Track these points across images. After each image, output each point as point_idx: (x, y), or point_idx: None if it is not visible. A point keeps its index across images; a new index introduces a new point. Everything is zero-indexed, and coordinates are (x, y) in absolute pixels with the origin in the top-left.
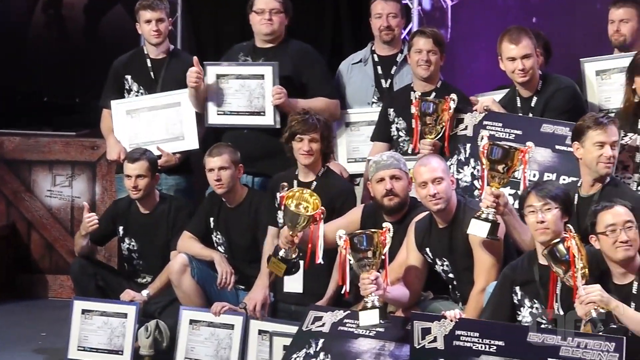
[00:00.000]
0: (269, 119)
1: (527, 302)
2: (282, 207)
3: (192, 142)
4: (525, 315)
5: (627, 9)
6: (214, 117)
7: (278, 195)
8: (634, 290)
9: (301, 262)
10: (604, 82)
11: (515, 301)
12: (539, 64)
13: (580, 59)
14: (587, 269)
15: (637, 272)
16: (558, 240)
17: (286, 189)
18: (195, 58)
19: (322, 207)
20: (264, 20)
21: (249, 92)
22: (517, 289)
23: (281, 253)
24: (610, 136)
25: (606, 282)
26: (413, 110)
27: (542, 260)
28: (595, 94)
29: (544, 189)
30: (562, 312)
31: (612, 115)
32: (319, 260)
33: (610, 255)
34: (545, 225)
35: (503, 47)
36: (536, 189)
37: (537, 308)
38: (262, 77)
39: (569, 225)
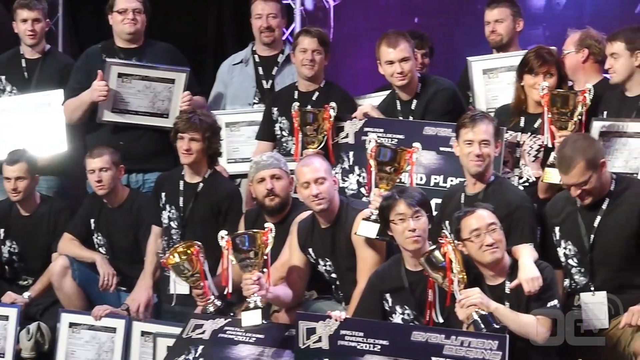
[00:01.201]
0: (170, 122)
1: (398, 309)
2: (171, 269)
3: (60, 145)
4: (398, 322)
5: (501, 9)
6: (109, 115)
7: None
8: (507, 290)
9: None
10: (491, 80)
11: (387, 308)
12: (418, 67)
13: (468, 58)
14: (464, 274)
15: (507, 272)
16: (434, 247)
17: (162, 255)
18: (100, 72)
19: (198, 243)
20: (127, 20)
21: (154, 94)
22: (388, 296)
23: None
24: (478, 134)
25: (480, 284)
26: (294, 123)
27: (410, 266)
28: (482, 92)
29: (412, 196)
30: (440, 319)
31: (493, 112)
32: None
33: (479, 259)
34: (417, 233)
35: (381, 51)
36: (405, 197)
37: (408, 314)
38: (172, 81)
39: (444, 231)
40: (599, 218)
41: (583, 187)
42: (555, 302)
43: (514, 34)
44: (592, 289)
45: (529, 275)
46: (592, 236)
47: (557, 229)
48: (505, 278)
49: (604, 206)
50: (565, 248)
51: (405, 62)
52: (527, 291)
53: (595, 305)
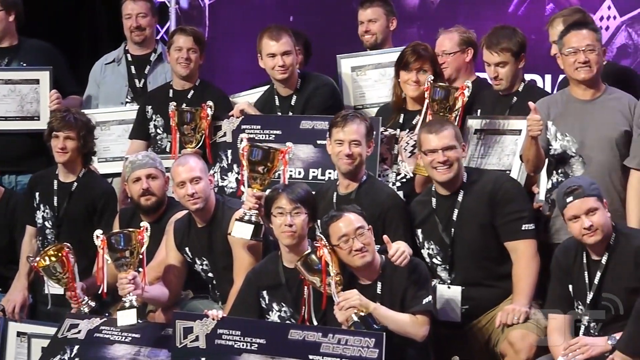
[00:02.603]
0: (43, 124)
1: (275, 306)
2: (43, 272)
3: None
4: (274, 319)
5: (375, 8)
6: None
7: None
8: (379, 290)
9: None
10: (359, 77)
11: (264, 305)
12: (298, 63)
13: (337, 55)
14: (341, 276)
15: (379, 272)
16: (310, 250)
17: (33, 259)
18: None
19: (67, 245)
20: None
21: (21, 97)
22: (264, 293)
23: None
24: (348, 134)
25: (353, 284)
26: (171, 122)
27: (287, 263)
28: (350, 89)
29: (295, 192)
30: (314, 319)
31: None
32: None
33: (349, 263)
34: (293, 229)
35: (263, 44)
36: (287, 192)
37: (285, 311)
38: (36, 82)
39: (319, 234)
40: (456, 211)
41: (449, 155)
42: (430, 298)
43: (388, 33)
44: (449, 282)
45: (401, 246)
46: (452, 230)
47: (419, 231)
48: (377, 278)
49: (459, 198)
50: (428, 248)
51: (286, 55)
52: (396, 258)
53: (449, 299)
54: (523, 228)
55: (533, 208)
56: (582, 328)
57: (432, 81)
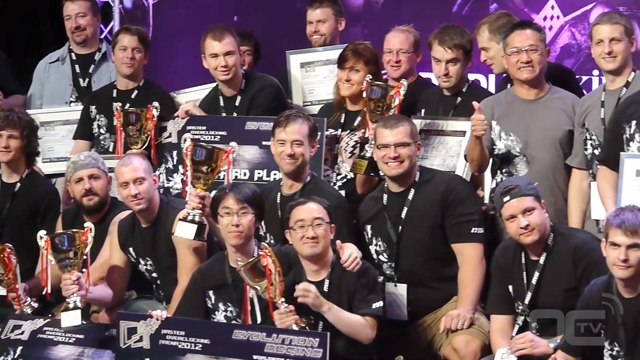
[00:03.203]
0: None
1: (221, 306)
2: None
3: None
4: (220, 319)
5: (324, 9)
6: None
7: None
8: (326, 288)
9: None
10: (308, 74)
11: (210, 305)
12: (243, 63)
13: (286, 51)
14: (283, 283)
15: (329, 270)
16: (255, 258)
17: None
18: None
19: (9, 246)
20: None
21: None
22: (211, 292)
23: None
24: (290, 134)
25: (300, 279)
26: (115, 122)
27: (234, 263)
28: (299, 86)
29: (242, 192)
30: (259, 318)
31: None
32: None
33: (299, 251)
34: (240, 229)
35: (206, 44)
36: (234, 191)
37: (231, 311)
38: None
39: (263, 242)
40: (405, 209)
41: (401, 152)
42: (380, 303)
43: (337, 34)
44: (396, 279)
45: (353, 251)
46: (400, 227)
47: (368, 227)
48: (327, 276)
49: (410, 196)
50: (376, 245)
51: (229, 55)
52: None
53: (396, 296)
54: (472, 231)
55: (482, 212)
56: (517, 327)
57: (370, 80)
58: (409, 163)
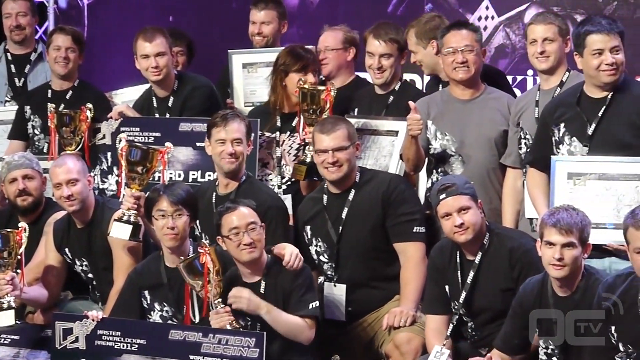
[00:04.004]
0: None
1: (157, 306)
2: None
3: None
4: (156, 319)
5: (268, 11)
6: None
7: None
8: (262, 289)
9: None
10: (250, 75)
11: (145, 305)
12: (175, 64)
13: (229, 51)
14: (221, 282)
15: (264, 272)
16: (194, 255)
17: None
18: None
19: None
20: None
21: None
22: (146, 292)
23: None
24: (230, 133)
25: (238, 282)
26: (49, 123)
27: (169, 263)
28: (241, 86)
29: (175, 194)
30: (197, 317)
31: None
32: None
33: (237, 257)
34: (175, 232)
35: (138, 45)
36: (168, 193)
37: (167, 311)
38: None
39: (204, 241)
40: (345, 209)
41: (339, 156)
42: (316, 303)
43: (278, 36)
44: (335, 280)
45: (294, 250)
46: (341, 227)
47: (307, 227)
48: (262, 277)
49: (350, 197)
50: (316, 245)
51: (160, 56)
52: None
53: (335, 297)
54: (414, 230)
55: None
56: (451, 326)
57: (302, 83)
58: (347, 166)
